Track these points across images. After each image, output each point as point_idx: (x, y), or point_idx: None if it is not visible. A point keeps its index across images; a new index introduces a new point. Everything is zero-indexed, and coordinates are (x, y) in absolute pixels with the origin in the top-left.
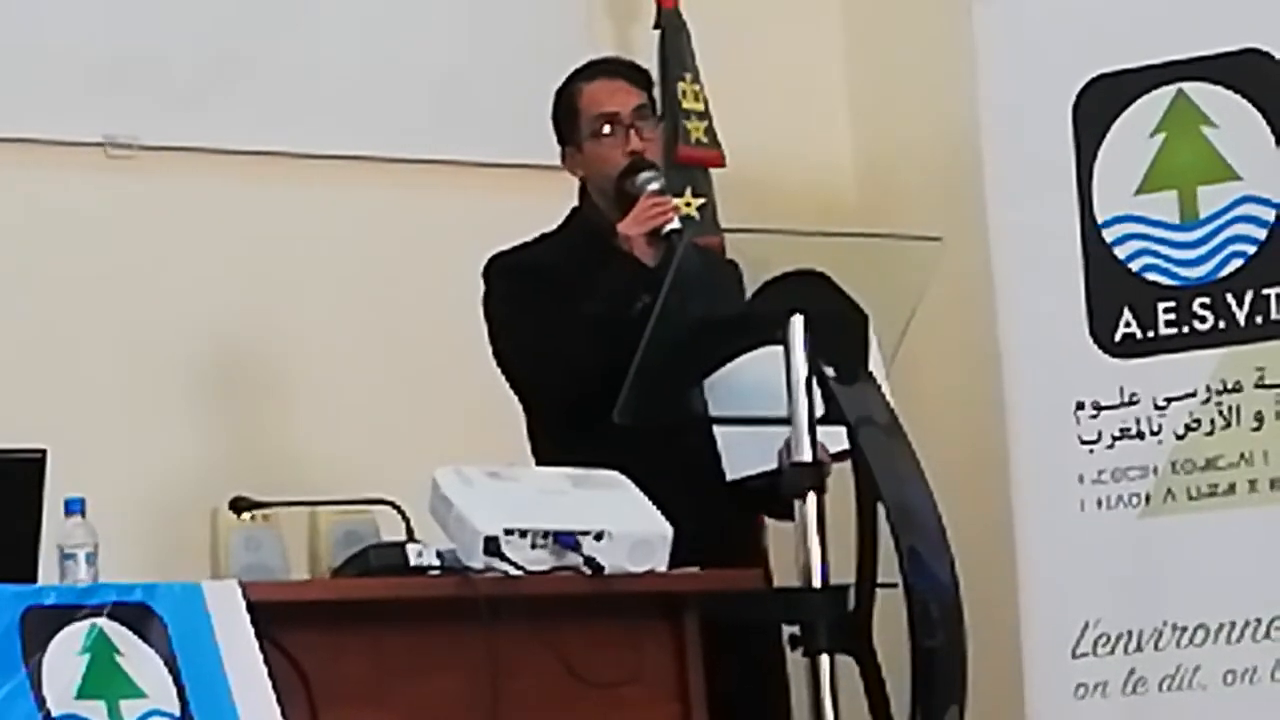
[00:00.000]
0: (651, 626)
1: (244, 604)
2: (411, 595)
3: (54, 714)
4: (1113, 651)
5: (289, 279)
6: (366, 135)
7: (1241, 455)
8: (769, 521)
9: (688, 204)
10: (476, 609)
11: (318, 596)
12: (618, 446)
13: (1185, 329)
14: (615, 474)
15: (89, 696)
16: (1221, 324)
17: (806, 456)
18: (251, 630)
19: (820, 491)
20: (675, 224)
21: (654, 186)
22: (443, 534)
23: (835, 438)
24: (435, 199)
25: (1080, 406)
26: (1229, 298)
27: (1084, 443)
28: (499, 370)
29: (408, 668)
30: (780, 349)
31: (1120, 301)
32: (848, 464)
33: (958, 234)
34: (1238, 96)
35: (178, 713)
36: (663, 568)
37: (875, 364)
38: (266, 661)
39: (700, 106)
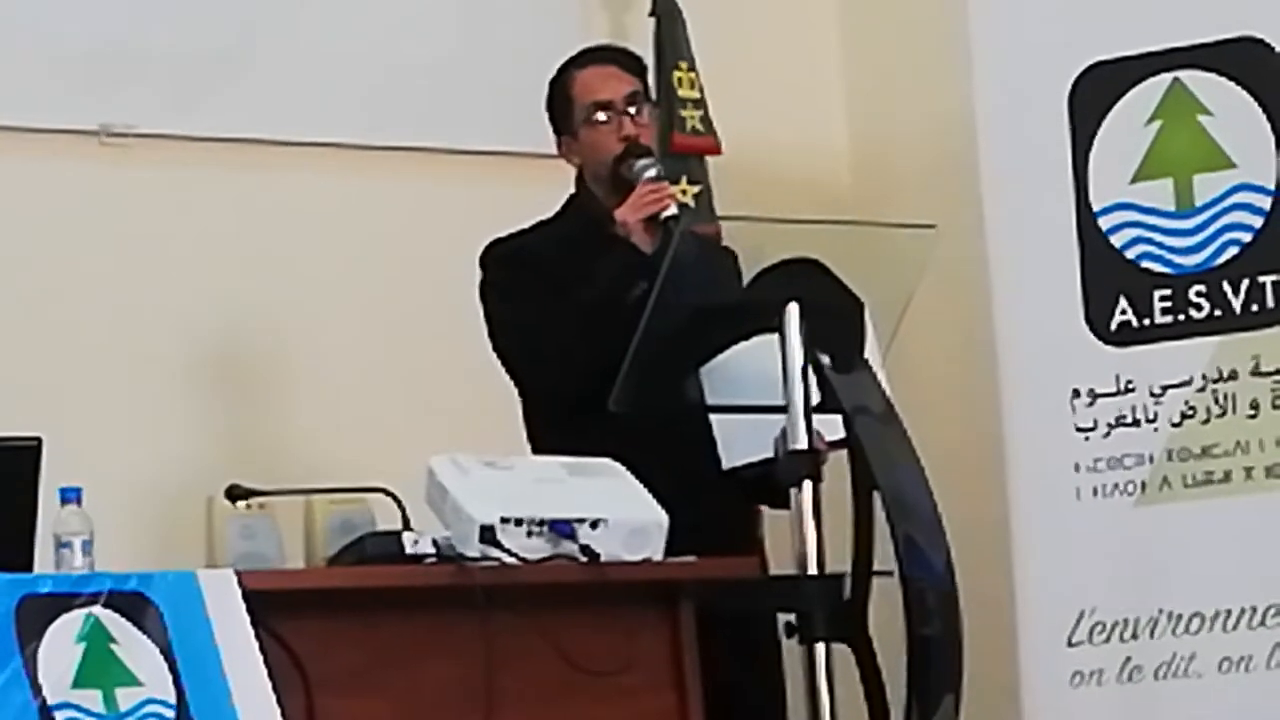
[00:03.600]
0: (647, 615)
1: (240, 592)
2: (407, 583)
3: (50, 703)
4: (1108, 640)
5: (284, 267)
6: (362, 124)
7: (1237, 443)
8: (765, 509)
9: (684, 192)
10: (472, 597)
11: (313, 585)
12: (614, 434)
13: (1181, 317)
14: (611, 462)
15: (85, 685)
16: (1217, 312)
17: (802, 444)
18: (247, 618)
19: (816, 480)
20: (672, 210)
21: (651, 173)
22: (439, 522)
23: (831, 426)
24: (432, 187)
25: (1076, 394)
26: (1225, 285)
27: (1080, 430)
28: (495, 358)
29: (403, 656)
30: (776, 337)
31: (1116, 289)
32: (844, 452)
33: (953, 222)
34: (1234, 85)
35: (173, 701)
36: (658, 556)
37: (871, 352)
38: (262, 650)
39: (696, 94)
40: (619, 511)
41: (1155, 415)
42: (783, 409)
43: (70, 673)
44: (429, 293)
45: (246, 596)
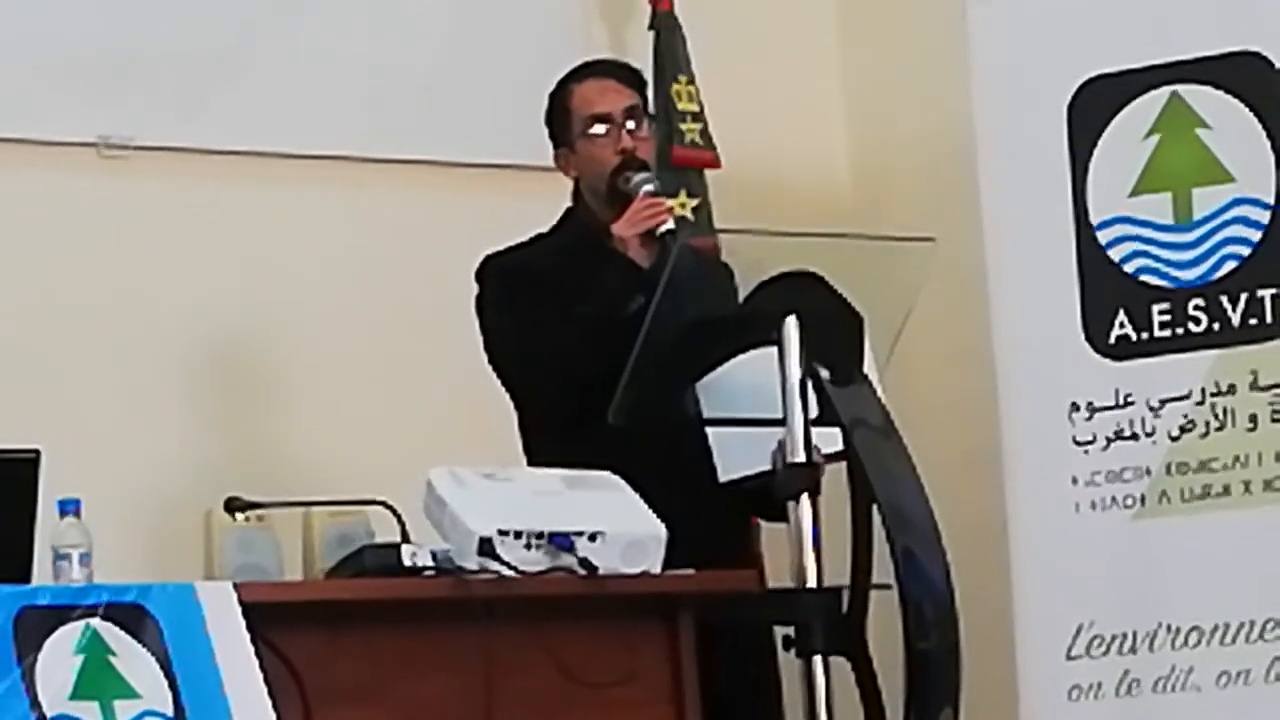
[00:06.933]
0: (646, 627)
1: (238, 605)
2: (406, 596)
3: (48, 715)
4: (1107, 653)
5: (282, 279)
6: (360, 136)
7: (1236, 457)
8: (762, 522)
9: (682, 205)
10: (471, 610)
11: (312, 597)
12: (612, 447)
13: (1180, 331)
14: (609, 475)
15: (83, 697)
16: (1216, 326)
17: (801, 458)
18: (246, 631)
19: (815, 493)
20: (669, 225)
21: (648, 188)
22: (437, 535)
23: (830, 439)
24: (430, 200)
25: (1075, 408)
26: (1223, 299)
27: (1078, 444)
28: (492, 371)
29: (402, 669)
30: (775, 350)
31: (1115, 303)
32: (842, 465)
33: (952, 235)
34: (1232, 99)
35: (171, 713)
36: (657, 569)
37: (870, 365)
38: (260, 662)
39: (695, 108)
40: (617, 524)
41: (1154, 429)
42: (781, 422)
43: (68, 684)
44: (427, 305)
45: (245, 608)
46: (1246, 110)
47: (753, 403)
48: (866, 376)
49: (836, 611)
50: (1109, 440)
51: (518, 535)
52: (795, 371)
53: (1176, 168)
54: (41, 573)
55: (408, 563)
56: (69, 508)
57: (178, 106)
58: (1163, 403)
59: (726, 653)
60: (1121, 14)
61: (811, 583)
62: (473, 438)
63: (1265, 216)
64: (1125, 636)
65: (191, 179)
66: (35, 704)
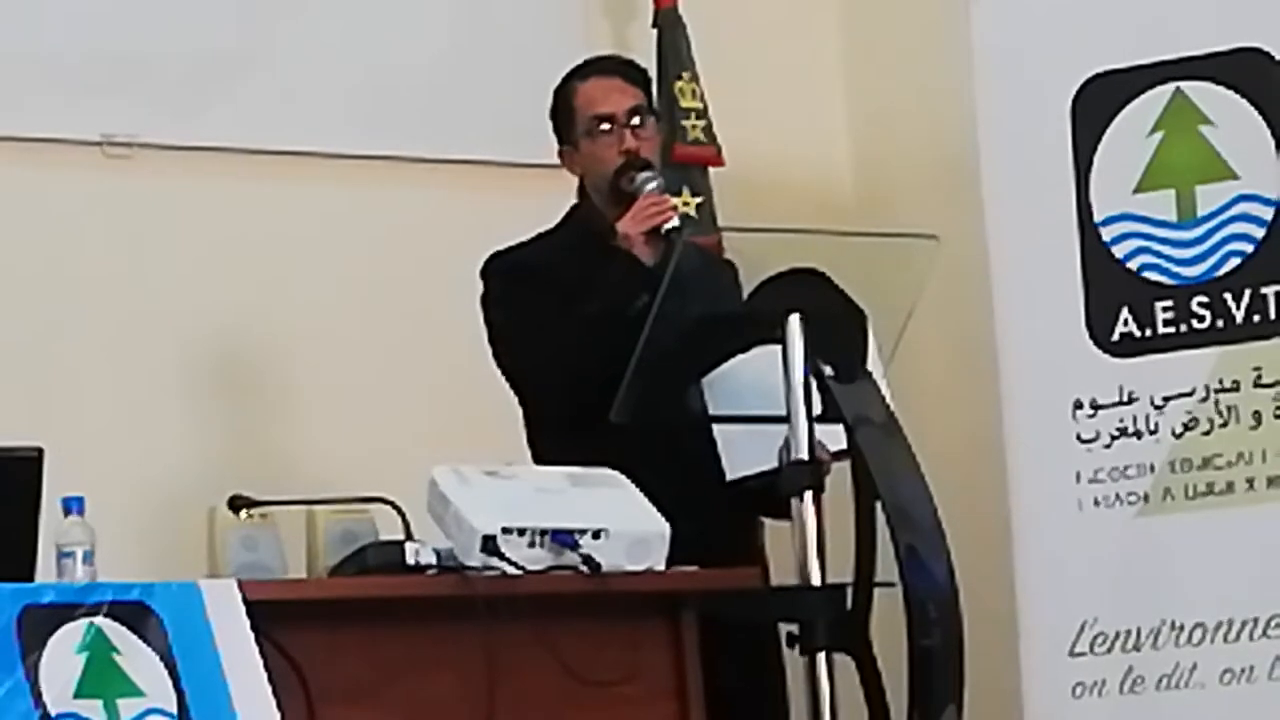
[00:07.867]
0: (649, 625)
1: (241, 602)
2: (409, 594)
3: (52, 713)
4: (1110, 650)
5: (286, 277)
6: (363, 134)
7: (1239, 454)
8: (767, 520)
9: (685, 203)
10: (474, 608)
11: (315, 595)
12: (616, 445)
13: (1183, 328)
14: (613, 473)
15: (87, 695)
16: (1219, 323)
17: (804, 455)
18: (249, 629)
19: (818, 490)
20: (674, 223)
21: (652, 186)
22: (441, 533)
23: (834, 436)
24: (433, 198)
25: (1078, 405)
26: (1227, 296)
27: (1082, 441)
28: (497, 369)
29: (405, 666)
30: (778, 348)
31: (1118, 300)
32: (846, 463)
33: (955, 232)
34: (1236, 95)
35: (175, 711)
36: (660, 566)
37: (873, 363)
38: (264, 660)
39: (698, 105)
40: (621, 522)
41: (1157, 426)
42: (785, 419)
43: (72, 683)
44: (431, 303)
45: (248, 606)
46: (1250, 107)
47: (757, 400)
48: (870, 374)
49: (840, 609)
50: (1112, 437)
51: (521, 533)
52: (799, 369)
53: (1180, 164)
54: (45, 571)
55: (411, 561)
56: (72, 506)
57: (181, 105)
58: (1166, 400)
59: (730, 651)
60: (1124, 11)
61: (815, 580)
62: (477, 435)
63: (1269, 213)
64: (1129, 633)
65: (195, 177)
66: (39, 702)
